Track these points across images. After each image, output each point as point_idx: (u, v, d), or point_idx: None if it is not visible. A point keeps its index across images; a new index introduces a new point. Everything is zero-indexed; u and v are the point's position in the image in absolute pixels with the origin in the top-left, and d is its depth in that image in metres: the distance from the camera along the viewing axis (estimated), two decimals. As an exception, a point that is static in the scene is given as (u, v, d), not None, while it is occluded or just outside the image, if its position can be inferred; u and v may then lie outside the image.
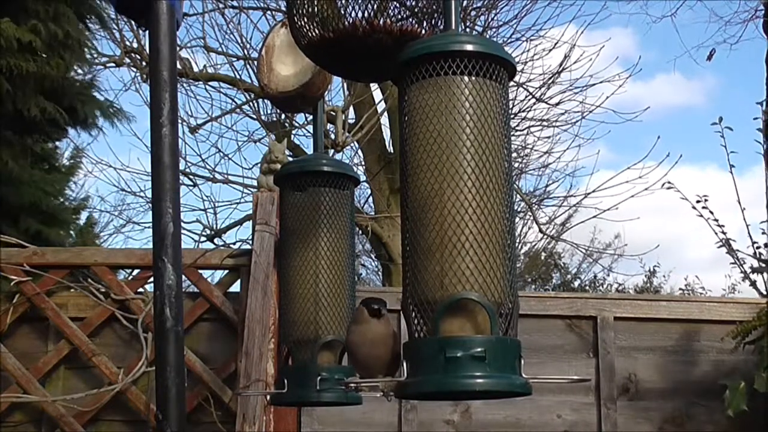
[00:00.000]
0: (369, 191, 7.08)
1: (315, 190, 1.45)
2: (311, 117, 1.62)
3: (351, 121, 6.26)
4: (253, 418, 2.41)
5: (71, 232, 3.92)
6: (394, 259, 6.38)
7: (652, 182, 6.15)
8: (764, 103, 3.73)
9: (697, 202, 3.80)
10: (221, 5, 6.43)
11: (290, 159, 3.57)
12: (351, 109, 6.33)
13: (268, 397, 1.64)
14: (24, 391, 2.68)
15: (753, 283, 3.86)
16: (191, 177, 6.48)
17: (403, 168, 1.05)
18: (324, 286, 1.42)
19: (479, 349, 0.95)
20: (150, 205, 1.31)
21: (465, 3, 6.37)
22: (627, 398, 2.95)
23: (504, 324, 0.99)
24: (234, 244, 6.13)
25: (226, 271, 2.85)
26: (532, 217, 7.89)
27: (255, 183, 5.58)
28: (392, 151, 6.71)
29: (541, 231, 7.95)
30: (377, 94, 6.44)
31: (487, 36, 6.52)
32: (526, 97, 6.82)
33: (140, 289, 2.82)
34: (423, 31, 1.17)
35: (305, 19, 1.19)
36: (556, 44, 6.77)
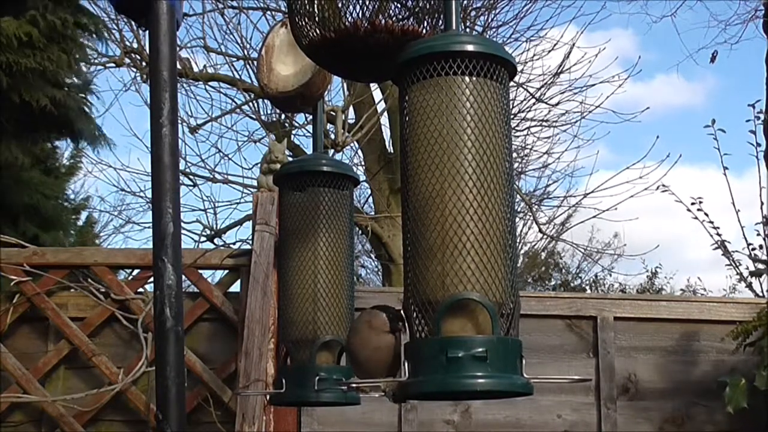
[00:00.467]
0: (369, 191, 7.08)
1: (314, 190, 1.45)
2: (311, 117, 1.62)
3: (351, 121, 6.26)
4: (253, 418, 2.41)
5: (71, 231, 3.92)
6: (394, 259, 6.38)
7: (652, 183, 6.17)
8: (757, 105, 3.74)
9: (692, 204, 3.83)
10: (221, 5, 6.43)
11: (290, 159, 3.57)
12: (351, 109, 6.33)
13: (268, 397, 1.64)
14: (24, 391, 2.68)
15: (749, 285, 3.87)
16: (191, 177, 6.48)
17: (403, 168, 1.05)
18: (323, 286, 1.42)
19: (480, 349, 0.95)
20: (150, 205, 1.31)
21: (465, 3, 6.37)
22: (627, 398, 2.95)
23: (505, 324, 0.99)
24: (234, 244, 6.13)
25: (226, 271, 2.85)
26: (531, 218, 7.90)
27: (255, 183, 5.58)
28: (392, 151, 6.71)
29: (540, 231, 7.96)
30: (377, 94, 6.44)
31: (487, 36, 6.51)
32: (526, 97, 6.83)
33: (140, 289, 2.82)
34: (423, 31, 1.17)
35: (306, 19, 1.19)
36: (555, 45, 6.78)
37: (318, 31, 1.17)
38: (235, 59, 6.50)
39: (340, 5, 1.16)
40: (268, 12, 6.46)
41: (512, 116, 6.51)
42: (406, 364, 1.00)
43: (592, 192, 6.89)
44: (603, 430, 2.90)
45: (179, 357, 1.11)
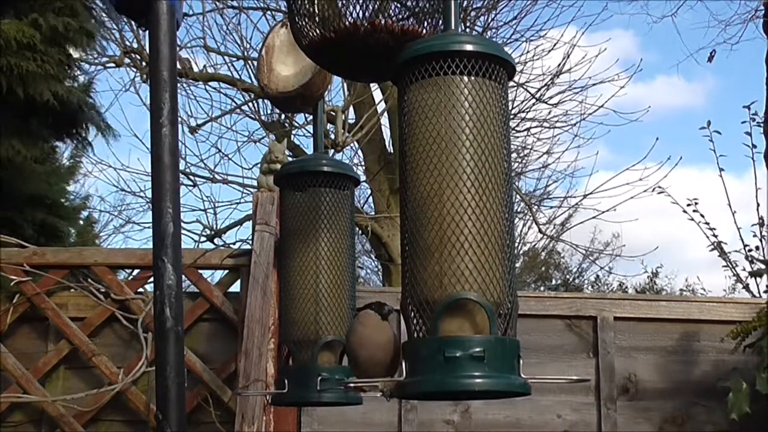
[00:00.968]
0: (369, 191, 7.08)
1: (315, 191, 1.45)
2: (311, 117, 1.63)
3: (351, 121, 6.26)
4: (252, 418, 2.41)
5: (72, 230, 3.93)
6: (393, 259, 6.38)
7: (652, 184, 6.17)
8: (753, 106, 3.75)
9: (688, 205, 3.85)
10: (221, 5, 6.43)
11: (290, 159, 3.57)
12: (351, 109, 6.33)
13: (269, 397, 1.64)
14: (24, 391, 2.68)
15: (746, 286, 3.88)
16: (191, 177, 6.48)
17: (402, 168, 1.05)
18: (324, 287, 1.42)
19: (478, 349, 0.95)
20: (150, 205, 1.31)
21: (465, 3, 6.37)
22: (627, 398, 2.96)
23: (503, 324, 0.99)
24: (234, 244, 6.13)
25: (226, 271, 2.85)
26: (531, 218, 7.90)
27: (255, 183, 5.58)
28: (392, 151, 6.71)
29: (540, 231, 7.96)
30: (377, 94, 6.44)
31: (487, 36, 6.52)
32: (526, 97, 6.83)
33: (140, 289, 2.82)
34: (423, 31, 1.17)
35: (306, 19, 1.19)
36: (555, 45, 6.78)
37: (318, 31, 1.17)
38: (235, 59, 6.51)
39: (340, 5, 1.16)
40: (268, 12, 6.47)
41: (512, 116, 6.51)
42: (404, 364, 1.01)
43: (592, 193, 6.90)
44: (603, 430, 2.90)
45: (179, 357, 1.11)
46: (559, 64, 6.79)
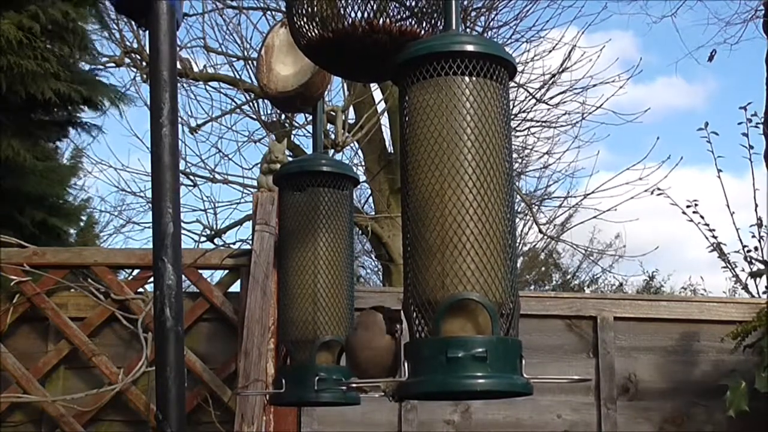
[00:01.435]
0: (369, 191, 7.08)
1: (314, 191, 1.45)
2: (311, 117, 1.62)
3: (351, 121, 6.26)
4: (252, 418, 2.41)
5: (72, 230, 3.92)
6: (394, 259, 6.38)
7: (652, 184, 6.17)
8: (749, 107, 3.77)
9: (687, 207, 3.86)
10: (221, 5, 6.43)
11: (290, 159, 3.57)
12: (351, 109, 6.33)
13: (268, 397, 1.64)
14: (24, 391, 2.68)
15: (745, 287, 3.89)
16: (191, 177, 6.49)
17: (403, 168, 1.05)
18: (323, 287, 1.42)
19: (480, 350, 0.95)
20: (150, 205, 1.31)
21: (465, 3, 6.37)
22: (627, 398, 2.95)
23: (505, 324, 0.99)
24: (234, 244, 6.13)
25: (226, 271, 2.85)
26: (531, 218, 7.90)
27: (255, 183, 5.58)
28: (392, 151, 6.71)
29: (540, 231, 7.96)
30: (377, 94, 6.44)
31: (488, 36, 6.52)
32: (527, 97, 6.83)
33: (140, 289, 2.82)
34: (423, 32, 1.16)
35: (305, 20, 1.19)
36: (556, 45, 6.78)
37: (317, 32, 1.17)
38: (235, 59, 6.51)
39: (339, 6, 1.16)
40: (268, 12, 6.47)
41: (513, 116, 6.51)
42: (406, 364, 1.00)
43: (592, 193, 6.90)
44: (603, 430, 2.90)
45: (179, 357, 1.11)
46: (561, 64, 6.79)
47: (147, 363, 2.67)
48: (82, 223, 4.47)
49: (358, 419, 2.82)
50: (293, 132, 6.55)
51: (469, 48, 1.02)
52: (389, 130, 6.79)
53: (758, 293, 3.78)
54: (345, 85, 6.27)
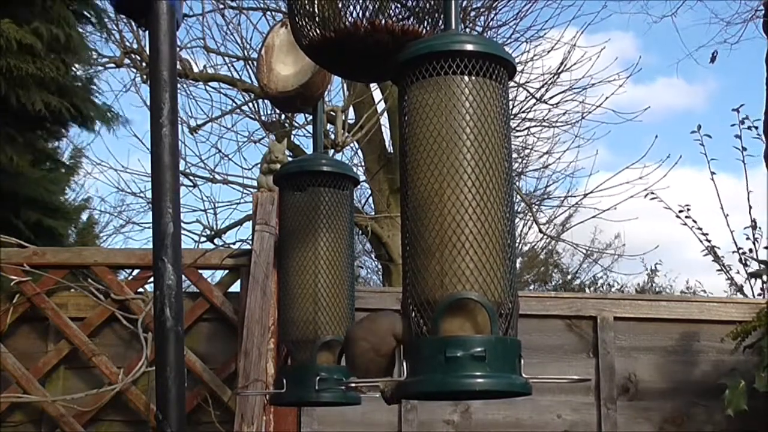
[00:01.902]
0: (369, 191, 7.08)
1: (314, 190, 1.45)
2: (311, 117, 1.62)
3: (351, 121, 6.26)
4: (252, 418, 2.41)
5: (71, 230, 3.92)
6: (394, 259, 6.38)
7: (652, 183, 6.18)
8: (741, 110, 3.79)
9: (680, 211, 3.89)
10: (221, 6, 6.44)
11: (290, 159, 3.57)
12: (351, 109, 6.33)
13: (268, 397, 1.64)
14: (24, 391, 2.68)
15: (740, 289, 3.90)
16: (191, 177, 6.49)
17: (402, 168, 1.05)
18: (323, 286, 1.42)
19: (479, 349, 0.95)
20: (150, 205, 1.31)
21: (465, 3, 6.37)
22: (627, 398, 2.95)
23: (504, 324, 0.99)
24: (234, 244, 6.13)
25: (226, 271, 2.85)
26: (531, 218, 7.90)
27: (255, 183, 5.58)
28: (392, 151, 6.71)
29: (540, 231, 7.97)
30: (377, 94, 6.44)
31: (487, 36, 6.51)
32: (526, 97, 6.83)
33: (140, 289, 2.82)
34: (423, 31, 1.17)
35: (306, 19, 1.19)
36: (555, 44, 6.79)
37: (318, 31, 1.17)
38: (235, 60, 6.51)
39: (340, 5, 1.16)
40: (268, 12, 6.48)
41: (512, 116, 6.51)
42: (404, 364, 1.00)
43: (592, 192, 6.91)
44: (603, 430, 2.90)
45: (179, 357, 1.11)
46: (561, 64, 6.79)
47: (147, 363, 2.67)
48: (81, 223, 4.47)
49: (358, 419, 2.82)
50: (293, 132, 6.55)
51: (469, 47, 1.02)
52: (389, 130, 6.79)
53: (753, 294, 3.79)
54: (345, 85, 6.27)
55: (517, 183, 7.37)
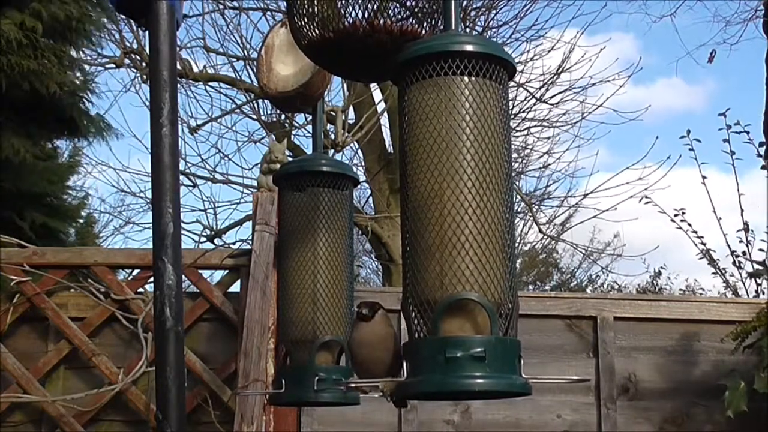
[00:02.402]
0: (369, 191, 7.08)
1: (314, 191, 1.45)
2: (311, 117, 1.62)
3: (351, 121, 6.26)
4: (251, 418, 2.41)
5: (71, 230, 3.92)
6: (394, 259, 6.38)
7: (652, 183, 6.18)
8: (728, 114, 3.81)
9: (675, 215, 3.90)
10: (221, 6, 6.43)
11: (290, 159, 3.57)
12: (351, 109, 6.33)
13: (267, 397, 1.64)
14: (24, 391, 2.68)
15: (735, 292, 3.91)
16: (191, 177, 6.49)
17: (402, 168, 1.05)
18: (322, 287, 1.42)
19: (479, 349, 0.95)
20: (150, 205, 1.31)
21: (465, 3, 6.37)
22: (627, 398, 2.95)
23: (504, 324, 0.99)
24: (234, 244, 6.13)
25: (226, 271, 2.85)
26: (531, 218, 7.90)
27: (255, 183, 5.58)
28: (392, 151, 6.71)
29: (540, 231, 7.97)
30: (377, 94, 6.44)
31: (487, 36, 6.52)
32: (526, 97, 6.83)
33: (140, 289, 2.82)
34: (423, 31, 1.17)
35: (305, 20, 1.19)
36: (555, 44, 6.79)
37: (317, 32, 1.17)
38: (235, 59, 6.51)
39: (339, 6, 1.16)
40: (268, 12, 6.48)
41: (513, 116, 6.51)
42: (405, 364, 1.00)
43: (592, 192, 6.90)
44: (603, 430, 2.90)
45: (179, 357, 1.11)
46: (561, 64, 6.79)
47: (147, 363, 2.68)
48: (81, 222, 4.47)
49: (358, 419, 2.82)
50: (293, 132, 6.56)
51: (469, 48, 1.02)
52: (389, 130, 6.79)
53: (748, 295, 3.80)
54: (345, 85, 6.27)
55: (517, 183, 7.37)
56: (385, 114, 6.67)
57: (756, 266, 3.57)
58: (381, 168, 6.67)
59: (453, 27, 1.07)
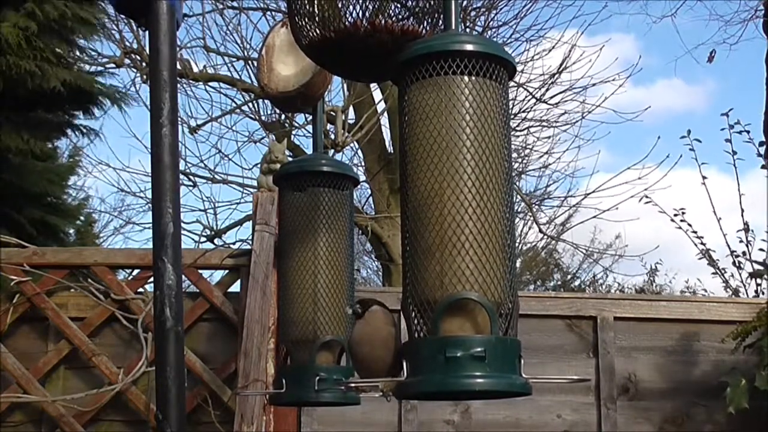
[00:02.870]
0: (369, 191, 7.08)
1: (314, 191, 1.45)
2: (311, 117, 1.62)
3: (351, 121, 6.26)
4: (252, 418, 2.41)
5: (72, 230, 3.93)
6: (394, 259, 6.38)
7: (652, 183, 6.17)
8: (731, 114, 3.81)
9: (675, 215, 3.90)
10: (221, 6, 6.43)
11: (290, 159, 3.57)
12: (351, 109, 6.33)
13: (267, 397, 1.65)
14: (24, 391, 2.68)
15: (734, 292, 3.91)
16: (191, 177, 6.49)
17: (402, 168, 1.05)
18: (323, 286, 1.42)
19: (479, 349, 0.95)
20: (150, 205, 1.31)
21: (465, 3, 6.37)
22: (627, 398, 2.95)
23: (504, 324, 0.99)
24: (234, 244, 6.13)
25: (226, 271, 2.85)
26: (532, 218, 7.90)
27: (255, 183, 5.58)
28: (392, 151, 6.71)
29: (541, 231, 7.97)
30: (377, 94, 6.44)
31: (487, 36, 6.52)
32: (526, 97, 6.83)
33: (140, 289, 2.82)
34: (423, 31, 1.17)
35: (306, 19, 1.19)
36: (555, 44, 6.79)
37: (318, 32, 1.17)
38: (235, 59, 6.51)
39: (340, 5, 1.16)
40: (268, 12, 6.47)
41: (512, 116, 6.51)
42: (405, 364, 1.00)
43: (593, 192, 6.90)
44: (603, 430, 2.90)
45: (179, 357, 1.11)
46: (561, 63, 6.79)
47: (147, 363, 2.68)
48: (80, 222, 4.47)
49: (358, 419, 2.82)
50: (293, 132, 6.55)
51: (469, 47, 1.02)
52: (389, 130, 6.79)
53: (747, 295, 3.80)
54: (345, 85, 6.27)
55: (517, 183, 7.37)
56: (385, 114, 6.67)
57: (756, 266, 3.56)
58: (381, 168, 6.67)
59: (453, 27, 1.07)
